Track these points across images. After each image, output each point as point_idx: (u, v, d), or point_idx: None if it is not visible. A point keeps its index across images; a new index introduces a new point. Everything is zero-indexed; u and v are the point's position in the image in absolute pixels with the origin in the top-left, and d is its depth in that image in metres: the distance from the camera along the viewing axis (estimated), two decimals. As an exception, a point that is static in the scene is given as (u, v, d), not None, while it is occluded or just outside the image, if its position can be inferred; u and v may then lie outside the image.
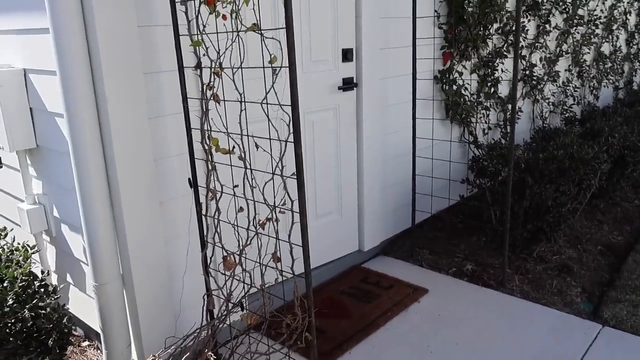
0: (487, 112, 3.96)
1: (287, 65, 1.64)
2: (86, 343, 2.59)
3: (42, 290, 2.02)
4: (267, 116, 1.83)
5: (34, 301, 1.94)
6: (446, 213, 3.70)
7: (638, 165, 4.28)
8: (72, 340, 2.55)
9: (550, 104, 5.03)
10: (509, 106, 4.18)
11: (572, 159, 3.40)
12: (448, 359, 2.37)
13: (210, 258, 2.24)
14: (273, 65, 1.78)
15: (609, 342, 2.44)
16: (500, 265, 3.08)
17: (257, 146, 1.90)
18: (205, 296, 2.21)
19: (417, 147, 3.22)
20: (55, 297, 2.07)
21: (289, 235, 1.89)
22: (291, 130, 1.72)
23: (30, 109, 2.33)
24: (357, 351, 2.45)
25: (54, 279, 2.62)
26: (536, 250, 3.29)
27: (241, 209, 2.03)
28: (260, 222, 1.99)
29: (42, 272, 2.19)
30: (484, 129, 3.99)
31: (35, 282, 2.02)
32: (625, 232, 3.70)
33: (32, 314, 1.91)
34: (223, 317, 2.16)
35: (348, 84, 2.96)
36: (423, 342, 2.50)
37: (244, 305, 2.18)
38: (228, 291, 2.14)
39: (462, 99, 3.69)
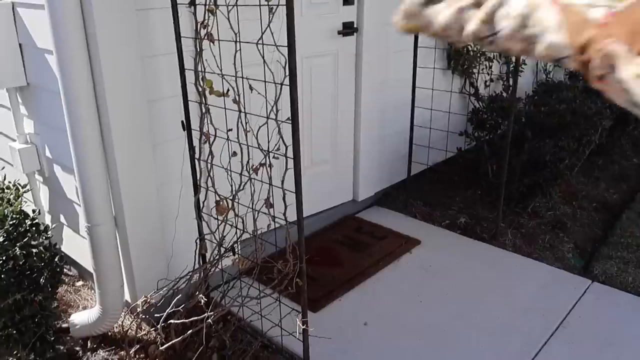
0: (490, 64, 3.87)
1: (285, 3, 1.57)
2: (80, 283, 2.62)
3: (34, 229, 2.01)
4: (263, 58, 1.76)
5: (25, 239, 1.94)
6: (443, 165, 3.68)
7: (639, 123, 4.23)
8: (66, 279, 2.57)
9: None
10: (513, 58, 4.08)
11: (574, 114, 3.35)
12: (437, 309, 2.40)
13: (203, 202, 2.22)
14: (270, 3, 1.70)
15: (597, 297, 2.47)
16: (494, 219, 3.08)
17: (251, 88, 1.85)
18: (198, 240, 2.21)
19: (417, 97, 3.15)
20: (47, 236, 2.06)
21: (282, 182, 1.87)
22: (287, 74, 1.66)
23: (20, 44, 2.26)
24: (347, 298, 2.48)
25: (47, 219, 2.62)
26: (531, 205, 3.29)
27: (235, 154, 1.99)
28: (254, 167, 1.97)
29: (34, 212, 2.18)
30: (486, 80, 3.90)
31: (26, 221, 2.01)
32: (621, 190, 3.70)
33: (24, 252, 1.90)
34: (215, 262, 2.16)
35: (348, 29, 2.87)
36: (413, 292, 2.53)
37: (236, 250, 2.18)
38: (220, 236, 2.14)
39: (464, 49, 3.59)
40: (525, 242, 3.00)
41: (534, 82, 4.69)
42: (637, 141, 4.50)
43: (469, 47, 3.63)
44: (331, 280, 2.59)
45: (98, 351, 2.17)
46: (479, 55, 3.74)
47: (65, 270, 2.28)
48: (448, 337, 2.22)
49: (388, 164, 3.38)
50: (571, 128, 3.26)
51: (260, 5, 1.69)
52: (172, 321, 2.01)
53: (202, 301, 2.01)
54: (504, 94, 3.86)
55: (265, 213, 1.97)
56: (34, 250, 1.96)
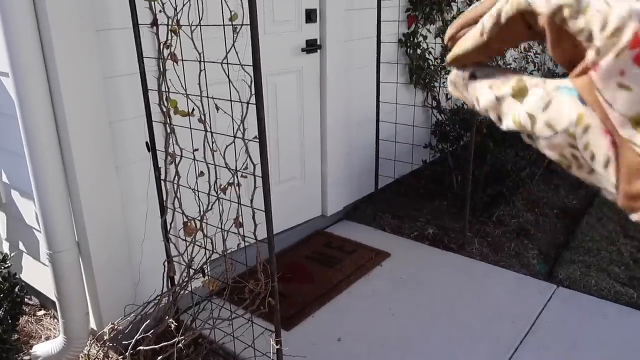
0: (451, 77, 3.96)
1: (248, 23, 1.57)
2: (42, 312, 2.52)
3: (-8, 258, 1.93)
4: (228, 77, 1.76)
5: (-17, 270, 1.86)
6: (409, 178, 3.73)
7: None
8: (27, 309, 2.47)
9: (512, 69, 5.07)
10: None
11: (532, 125, 3.45)
12: (409, 320, 2.42)
13: (170, 224, 2.18)
14: (233, 23, 1.70)
15: (563, 301, 2.53)
16: (461, 228, 3.13)
17: (217, 108, 1.83)
18: (166, 263, 2.16)
19: (381, 112, 3.19)
20: (6, 265, 1.98)
21: (251, 200, 1.85)
22: (253, 92, 1.66)
23: (-28, 67, 2.18)
24: (320, 314, 2.47)
25: (5, 247, 2.52)
26: (496, 214, 3.36)
27: (202, 174, 1.97)
28: (222, 186, 1.94)
29: (-8, 240, 2.09)
30: (447, 93, 3.99)
31: (-17, 251, 1.93)
32: (580, 196, 3.82)
33: (-18, 283, 1.82)
34: (184, 284, 2.12)
35: (312, 46, 2.89)
36: (385, 304, 2.53)
37: (206, 271, 2.14)
38: (189, 257, 2.10)
39: (426, 63, 3.67)
40: (492, 250, 3.05)
41: (492, 94, 4.82)
42: (592, 148, 4.67)
43: (430, 61, 3.71)
44: (303, 297, 2.57)
45: (63, 383, 2.09)
46: (439, 69, 3.83)
47: (26, 299, 2.19)
48: (420, 348, 2.23)
49: (355, 178, 3.40)
50: (530, 138, 3.36)
51: (224, 25, 1.68)
52: (141, 347, 1.95)
53: (172, 325, 1.96)
54: (465, 106, 3.95)
55: (234, 232, 1.95)
56: (-7, 281, 1.88)
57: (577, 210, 3.63)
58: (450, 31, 0.35)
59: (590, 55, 0.27)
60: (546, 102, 0.29)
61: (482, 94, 0.33)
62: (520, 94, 0.31)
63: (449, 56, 0.34)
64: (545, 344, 2.24)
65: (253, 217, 1.87)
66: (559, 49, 0.29)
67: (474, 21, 0.34)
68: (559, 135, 0.29)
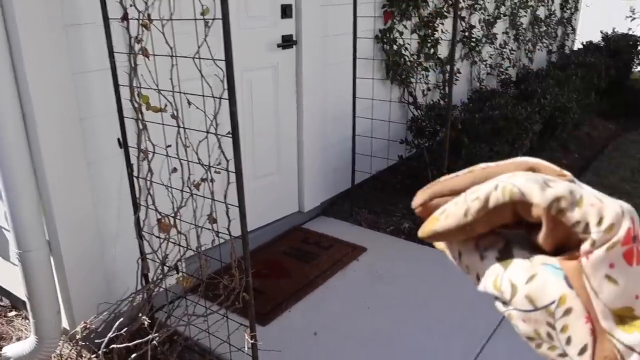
0: (427, 73, 3.99)
1: (220, 17, 1.56)
2: (13, 313, 2.47)
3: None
4: (200, 72, 1.74)
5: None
6: (385, 173, 3.75)
7: (567, 126, 4.48)
8: (-2, 309, 2.43)
9: (488, 66, 5.13)
10: (448, 67, 4.23)
11: (506, 120, 3.50)
12: (385, 314, 2.44)
13: (144, 221, 2.16)
14: (205, 17, 1.69)
15: (534, 294, 2.58)
16: (436, 223, 3.16)
17: (189, 103, 1.82)
18: (140, 260, 2.14)
19: (358, 107, 3.20)
20: (-25, 265, 1.94)
21: (225, 196, 1.84)
22: (225, 87, 1.65)
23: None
24: (296, 309, 2.47)
25: (-26, 247, 2.46)
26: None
27: (175, 170, 1.95)
28: (195, 182, 1.93)
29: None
30: (423, 90, 4.03)
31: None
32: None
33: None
34: (158, 281, 2.10)
35: (287, 42, 2.88)
36: (361, 299, 2.55)
37: (180, 268, 2.13)
38: (163, 254, 2.08)
39: (402, 59, 3.69)
40: (467, 245, 3.09)
41: (468, 90, 4.87)
42: (565, 143, 4.76)
43: (406, 57, 3.73)
44: (279, 293, 2.57)
45: (35, 383, 2.05)
46: (415, 65, 3.85)
47: (-4, 299, 2.16)
48: (396, 341, 2.26)
49: (332, 173, 3.41)
50: (504, 133, 3.41)
51: (195, 19, 1.67)
52: (114, 346, 1.94)
53: (146, 323, 1.95)
54: (441, 102, 3.99)
55: (208, 229, 1.94)
56: (-40, 281, 1.84)
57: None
58: (422, 196, 0.33)
59: (585, 245, 0.27)
60: (531, 274, 0.29)
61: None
62: (505, 263, 0.31)
63: (427, 230, 0.32)
64: (517, 334, 2.28)
65: (227, 213, 1.86)
66: (551, 237, 0.29)
67: (450, 192, 0.32)
68: (538, 312, 0.29)
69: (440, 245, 0.35)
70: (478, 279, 0.32)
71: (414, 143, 3.72)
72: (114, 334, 1.95)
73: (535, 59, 6.18)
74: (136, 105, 1.95)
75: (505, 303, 0.30)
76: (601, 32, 6.95)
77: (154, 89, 1.89)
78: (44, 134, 1.87)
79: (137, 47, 1.86)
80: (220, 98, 1.70)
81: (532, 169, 0.31)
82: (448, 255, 0.35)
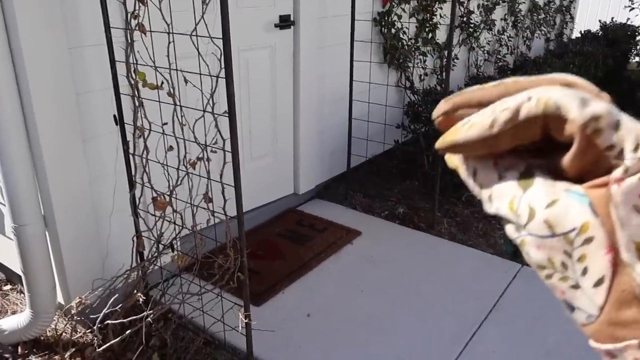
0: (424, 58, 3.98)
1: (218, -6, 1.54)
2: (8, 287, 2.48)
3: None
4: (197, 50, 1.73)
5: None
6: (381, 157, 3.75)
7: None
8: (-8, 284, 2.43)
9: (485, 52, 5.11)
10: (446, 52, 4.22)
11: (503, 107, 3.50)
12: (378, 297, 2.46)
13: (139, 199, 2.16)
14: (203, -6, 1.67)
15: (526, 280, 2.60)
16: (430, 208, 3.18)
17: (186, 81, 1.81)
18: (135, 238, 2.15)
19: (354, 91, 3.19)
20: (-31, 239, 1.94)
21: (221, 176, 1.84)
22: (223, 66, 1.64)
23: None
24: (290, 291, 2.49)
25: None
26: (465, 194, 3.42)
27: (171, 148, 1.95)
28: (191, 161, 1.93)
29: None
30: (421, 74, 4.01)
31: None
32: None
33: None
34: (153, 259, 2.11)
35: (285, 22, 2.86)
36: (355, 282, 2.57)
37: (175, 246, 2.14)
38: (158, 232, 2.09)
39: (400, 43, 3.67)
40: (460, 230, 3.11)
41: (465, 77, 4.86)
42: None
43: (404, 41, 3.71)
44: (274, 274, 2.59)
45: (30, 357, 2.07)
46: (413, 49, 3.84)
47: (-10, 274, 2.16)
48: (388, 324, 2.28)
49: (328, 156, 3.41)
50: (500, 119, 3.41)
51: (193, -5, 1.66)
52: (109, 322, 1.95)
53: (141, 300, 1.96)
54: (438, 88, 3.98)
55: (204, 208, 1.94)
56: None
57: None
58: (445, 105, 0.31)
59: (618, 172, 0.26)
60: (552, 199, 0.27)
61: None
62: (525, 184, 0.28)
63: (447, 140, 0.30)
64: (509, 320, 2.31)
65: (222, 193, 1.86)
66: (579, 161, 0.27)
67: (478, 104, 0.30)
68: (555, 239, 0.27)
69: (454, 161, 0.32)
70: (490, 200, 0.30)
71: (410, 128, 3.72)
72: (108, 310, 1.97)
73: (533, 47, 6.16)
74: (132, 81, 1.93)
75: (519, 227, 0.28)
76: (600, 21, 6.92)
77: (151, 66, 1.88)
78: (39, 109, 1.86)
79: (133, 22, 1.84)
80: (218, 77, 1.69)
81: (569, 85, 0.29)
82: (461, 172, 0.32)
